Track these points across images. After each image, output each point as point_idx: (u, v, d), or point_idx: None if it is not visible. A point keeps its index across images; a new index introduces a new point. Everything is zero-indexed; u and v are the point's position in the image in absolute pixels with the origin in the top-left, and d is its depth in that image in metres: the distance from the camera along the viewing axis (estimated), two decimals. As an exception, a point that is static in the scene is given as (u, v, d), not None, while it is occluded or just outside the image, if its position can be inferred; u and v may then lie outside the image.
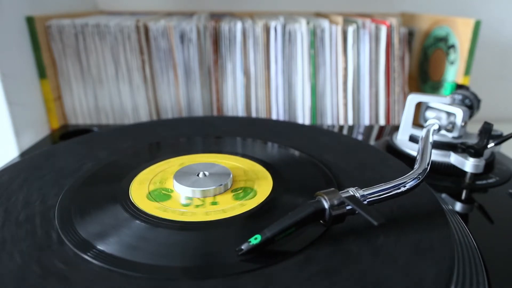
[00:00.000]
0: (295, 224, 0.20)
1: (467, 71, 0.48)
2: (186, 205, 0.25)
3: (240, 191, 0.26)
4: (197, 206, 0.24)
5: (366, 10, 0.69)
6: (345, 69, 0.50)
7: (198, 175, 0.27)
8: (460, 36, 0.48)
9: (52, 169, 0.30)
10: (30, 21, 0.45)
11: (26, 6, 0.45)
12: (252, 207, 0.24)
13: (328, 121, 0.52)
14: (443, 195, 0.32)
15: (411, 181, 0.23)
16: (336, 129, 0.49)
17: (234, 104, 0.51)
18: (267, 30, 0.49)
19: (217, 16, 0.61)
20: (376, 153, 0.33)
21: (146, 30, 0.48)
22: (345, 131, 0.48)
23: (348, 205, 0.21)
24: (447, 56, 0.51)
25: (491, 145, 0.33)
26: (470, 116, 0.37)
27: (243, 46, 0.49)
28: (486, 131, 0.32)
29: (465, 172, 0.33)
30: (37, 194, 0.26)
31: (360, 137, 0.46)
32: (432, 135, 0.31)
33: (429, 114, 0.37)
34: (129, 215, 0.23)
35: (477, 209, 0.30)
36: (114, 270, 0.19)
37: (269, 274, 0.19)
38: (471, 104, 0.38)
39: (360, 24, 0.49)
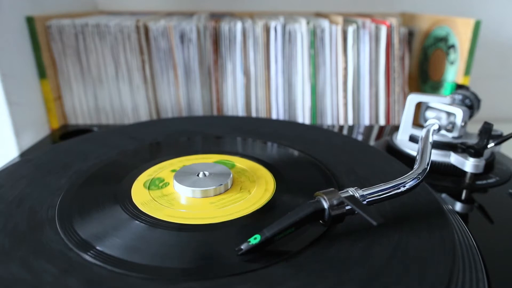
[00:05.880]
0: (294, 224, 0.20)
1: (467, 71, 0.48)
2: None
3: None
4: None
5: (366, 10, 0.69)
6: (345, 69, 0.50)
7: (198, 175, 0.27)
8: (460, 36, 0.48)
9: (52, 169, 0.30)
10: (30, 21, 0.45)
11: (26, 6, 0.45)
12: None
13: (328, 121, 0.52)
14: (443, 195, 0.32)
15: (410, 181, 0.23)
16: (336, 129, 0.49)
17: (234, 104, 0.51)
18: (267, 30, 0.49)
19: (217, 16, 0.61)
20: (376, 153, 0.33)
21: (146, 30, 0.48)
22: (345, 131, 0.48)
23: (347, 205, 0.21)
24: (447, 56, 0.51)
25: (491, 145, 0.32)
26: (470, 116, 0.37)
27: (243, 46, 0.49)
28: (486, 131, 0.32)
29: (465, 172, 0.33)
30: (37, 194, 0.26)
31: (360, 137, 0.46)
32: (432, 135, 0.31)
33: (429, 114, 0.37)
34: (129, 216, 0.23)
35: (477, 209, 0.30)
36: (114, 270, 0.19)
37: (268, 274, 0.19)
38: (471, 104, 0.38)
39: (360, 24, 0.49)
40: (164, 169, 0.30)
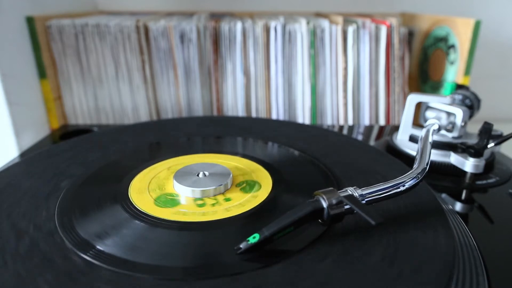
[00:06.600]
0: (294, 223, 0.20)
1: (467, 71, 0.48)
2: (185, 205, 0.25)
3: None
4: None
5: (366, 10, 0.69)
6: (345, 69, 0.50)
7: (198, 175, 0.27)
8: (460, 36, 0.48)
9: (51, 169, 0.30)
10: (30, 21, 0.45)
11: (26, 6, 0.45)
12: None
13: (328, 121, 0.52)
14: (443, 195, 0.32)
15: (410, 180, 0.23)
16: (336, 129, 0.49)
17: (234, 104, 0.51)
18: (267, 30, 0.49)
19: (217, 16, 0.61)
20: (376, 153, 0.33)
21: (146, 30, 0.48)
22: (345, 131, 0.48)
23: (346, 205, 0.21)
24: (447, 56, 0.51)
25: (491, 145, 0.32)
26: (470, 116, 0.37)
27: (243, 46, 0.49)
28: (486, 131, 0.32)
29: (465, 172, 0.33)
30: (37, 194, 0.26)
31: (360, 137, 0.46)
32: (432, 135, 0.31)
33: (429, 114, 0.37)
34: (129, 216, 0.23)
35: (477, 209, 0.30)
36: (114, 270, 0.19)
37: (267, 273, 0.19)
38: (471, 104, 0.38)
39: (360, 24, 0.49)
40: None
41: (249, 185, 0.27)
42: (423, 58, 0.58)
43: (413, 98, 0.37)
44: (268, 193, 0.26)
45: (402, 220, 0.23)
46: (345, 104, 0.51)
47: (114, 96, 0.50)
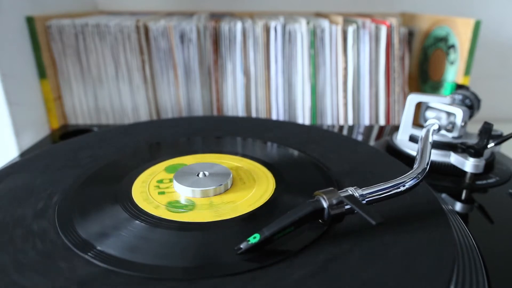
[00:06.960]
0: (294, 223, 0.20)
1: (467, 71, 0.48)
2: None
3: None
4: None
5: (366, 10, 0.69)
6: (345, 69, 0.50)
7: (198, 175, 0.27)
8: (460, 36, 0.48)
9: (51, 169, 0.30)
10: (30, 21, 0.45)
11: (26, 6, 0.45)
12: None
13: (328, 121, 0.52)
14: (443, 195, 0.32)
15: (410, 180, 0.23)
16: (336, 129, 0.49)
17: (234, 104, 0.51)
18: (267, 30, 0.49)
19: (217, 16, 0.61)
20: (376, 153, 0.33)
21: (146, 30, 0.48)
22: (345, 131, 0.48)
23: (346, 205, 0.21)
24: (447, 56, 0.51)
25: (491, 145, 0.32)
26: (470, 116, 0.37)
27: (243, 46, 0.49)
28: (486, 131, 0.32)
29: (465, 172, 0.33)
30: (37, 194, 0.26)
31: (360, 137, 0.46)
32: (432, 135, 0.31)
33: (429, 114, 0.37)
34: (129, 216, 0.23)
35: (477, 209, 0.30)
36: (114, 270, 0.19)
37: (268, 273, 0.19)
38: (471, 104, 0.38)
39: (360, 24, 0.49)
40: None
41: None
42: (423, 58, 0.58)
43: (413, 98, 0.37)
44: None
45: (402, 220, 0.23)
46: (345, 104, 0.51)
47: (114, 96, 0.50)
